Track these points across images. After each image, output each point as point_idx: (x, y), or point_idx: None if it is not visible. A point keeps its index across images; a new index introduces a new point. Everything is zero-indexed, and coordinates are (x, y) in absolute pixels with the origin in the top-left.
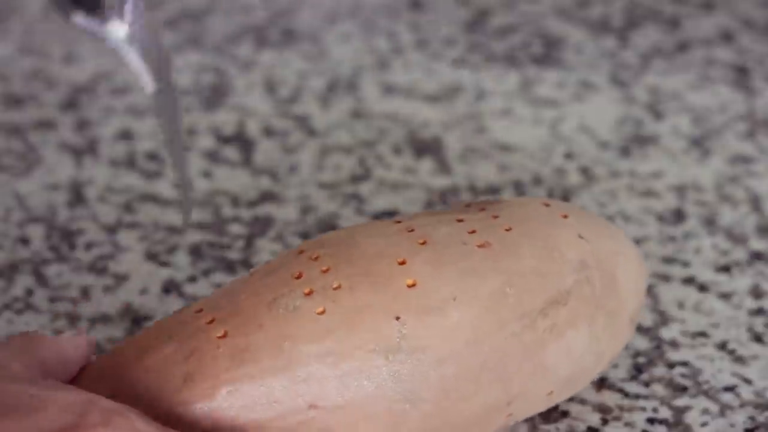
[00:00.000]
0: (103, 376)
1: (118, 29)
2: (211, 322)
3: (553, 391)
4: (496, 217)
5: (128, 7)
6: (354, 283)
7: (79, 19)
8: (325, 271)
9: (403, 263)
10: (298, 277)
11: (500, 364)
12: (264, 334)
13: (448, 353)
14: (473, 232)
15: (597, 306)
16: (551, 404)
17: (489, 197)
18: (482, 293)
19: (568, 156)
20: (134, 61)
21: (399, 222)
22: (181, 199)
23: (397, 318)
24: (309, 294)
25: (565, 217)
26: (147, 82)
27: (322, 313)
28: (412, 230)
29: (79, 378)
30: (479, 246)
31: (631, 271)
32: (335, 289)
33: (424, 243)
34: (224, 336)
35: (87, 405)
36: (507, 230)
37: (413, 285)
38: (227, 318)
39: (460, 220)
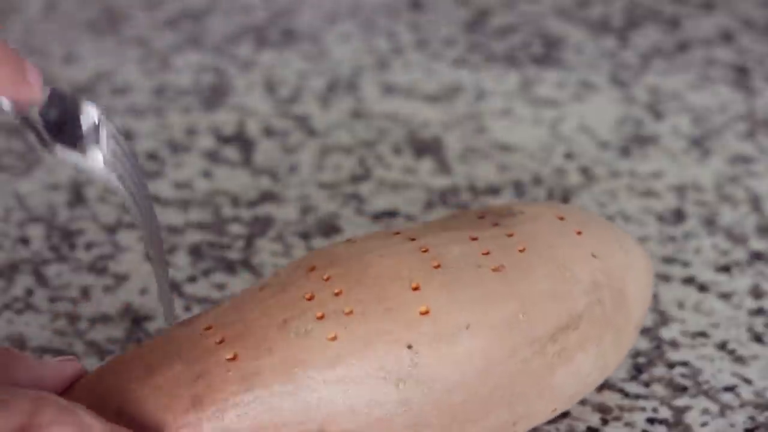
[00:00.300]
0: (110, 391)
1: (97, 159)
2: (221, 342)
3: (557, 408)
4: (510, 235)
5: (103, 137)
6: (366, 309)
7: (61, 152)
8: (337, 294)
9: (416, 289)
10: (310, 299)
11: (509, 390)
12: (274, 358)
13: (458, 381)
14: (487, 253)
15: (606, 324)
16: (553, 416)
17: (503, 207)
18: (495, 320)
19: (568, 156)
20: (115, 184)
21: (413, 240)
22: (163, 304)
23: (409, 347)
24: (321, 318)
25: (579, 233)
26: (130, 203)
27: (334, 339)
28: (426, 250)
29: (81, 391)
30: (493, 270)
31: (639, 283)
32: (347, 314)
33: (437, 266)
34: (234, 359)
35: (38, 404)
36: (521, 251)
37: (426, 312)
38: (237, 339)
39: (473, 239)
